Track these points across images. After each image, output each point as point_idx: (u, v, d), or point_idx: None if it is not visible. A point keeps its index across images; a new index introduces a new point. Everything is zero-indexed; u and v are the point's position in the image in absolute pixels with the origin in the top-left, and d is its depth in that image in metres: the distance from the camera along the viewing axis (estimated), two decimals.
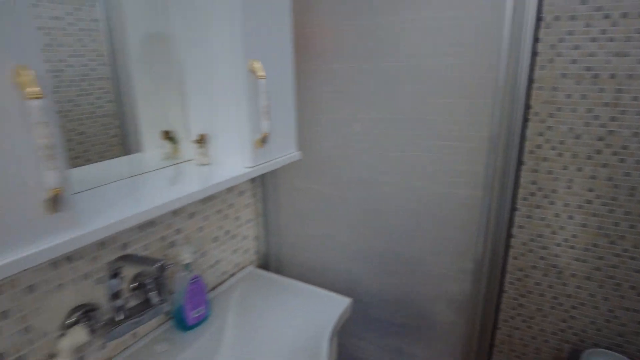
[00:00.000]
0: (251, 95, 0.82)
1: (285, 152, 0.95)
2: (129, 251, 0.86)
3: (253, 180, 1.21)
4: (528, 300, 1.01)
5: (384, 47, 0.94)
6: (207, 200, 1.05)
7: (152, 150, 0.91)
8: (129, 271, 0.82)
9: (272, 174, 1.21)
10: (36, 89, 0.46)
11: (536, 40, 0.85)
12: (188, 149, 0.93)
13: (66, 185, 0.50)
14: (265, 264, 1.29)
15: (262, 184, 1.23)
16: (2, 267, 0.46)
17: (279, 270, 1.29)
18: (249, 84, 0.81)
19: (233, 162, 0.87)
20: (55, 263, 0.73)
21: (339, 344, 1.25)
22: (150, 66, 0.87)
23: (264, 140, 0.85)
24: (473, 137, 0.90)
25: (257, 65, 0.81)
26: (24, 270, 0.50)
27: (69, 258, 0.75)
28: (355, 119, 1.02)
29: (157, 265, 0.65)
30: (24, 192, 0.48)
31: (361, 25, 0.95)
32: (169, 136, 0.93)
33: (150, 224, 0.90)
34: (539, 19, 0.84)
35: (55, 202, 0.50)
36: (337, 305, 1.03)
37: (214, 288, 1.11)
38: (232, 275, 1.18)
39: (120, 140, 0.86)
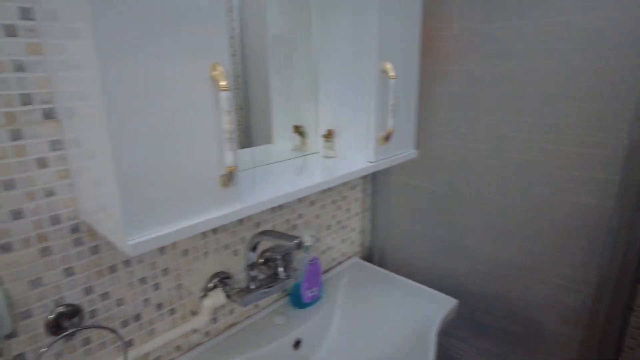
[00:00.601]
0: (380, 94, 0.87)
1: (404, 149, 0.99)
2: (260, 229, 0.96)
3: (364, 175, 1.27)
4: None
5: (513, 49, 0.93)
6: (326, 190, 1.12)
7: (282, 142, 1.00)
8: (263, 246, 0.91)
9: (385, 170, 1.25)
10: (226, 83, 0.55)
11: None
12: (315, 142, 1.01)
13: (237, 164, 0.60)
14: (368, 257, 1.34)
15: (373, 179, 1.28)
16: (189, 227, 0.57)
17: (381, 264, 1.33)
18: (380, 84, 0.86)
19: (356, 157, 0.93)
20: (204, 233, 0.85)
21: (437, 342, 1.26)
22: (284, 65, 0.96)
23: (387, 137, 0.90)
24: (607, 144, 0.86)
25: (389, 66, 0.86)
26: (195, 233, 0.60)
27: (214, 230, 0.87)
28: (476, 120, 1.02)
29: (296, 241, 0.73)
30: (208, 168, 0.58)
31: (491, 27, 0.95)
32: (299, 130, 1.01)
33: (279, 207, 0.99)
34: None
35: (229, 178, 0.59)
36: (443, 304, 1.04)
37: (324, 272, 1.19)
38: (340, 263, 1.25)
39: (253, 132, 0.95)
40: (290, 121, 1.01)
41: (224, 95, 0.55)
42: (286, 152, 1.00)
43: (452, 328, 1.20)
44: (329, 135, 0.96)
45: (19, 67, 0.57)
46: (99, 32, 0.45)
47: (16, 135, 0.58)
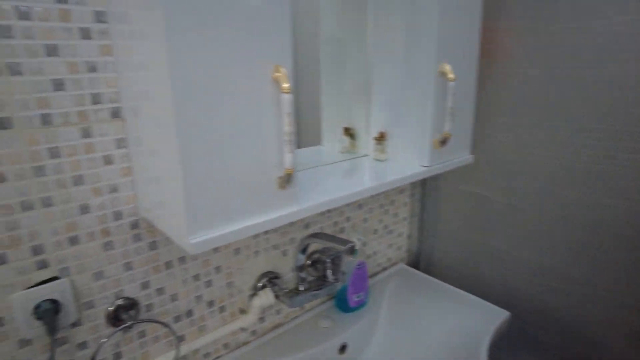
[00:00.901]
0: (438, 96, 0.85)
1: (459, 154, 0.96)
2: (309, 231, 0.96)
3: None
4: None
5: (581, 51, 0.88)
6: (375, 194, 1.11)
7: (331, 144, 0.99)
8: (312, 248, 0.91)
9: (434, 174, 1.22)
10: (288, 85, 0.55)
11: None
12: (366, 144, 1.00)
13: (296, 166, 0.59)
14: (414, 263, 1.32)
15: (422, 184, 1.25)
16: (248, 228, 0.57)
17: (428, 271, 1.29)
18: (438, 86, 0.84)
19: (409, 160, 0.91)
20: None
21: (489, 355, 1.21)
22: (336, 66, 0.95)
23: (444, 142, 0.87)
24: None
25: (448, 67, 0.83)
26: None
27: (265, 230, 0.87)
28: (538, 126, 0.97)
29: (349, 246, 0.72)
30: (267, 169, 0.58)
31: (558, 28, 0.90)
32: (349, 132, 1.00)
33: (328, 209, 0.99)
34: None
35: (287, 180, 0.59)
36: (493, 316, 1.00)
37: (369, 277, 1.17)
38: (385, 268, 1.23)
39: (302, 133, 0.94)
40: (340, 123, 1.00)
41: (286, 97, 0.55)
42: (335, 154, 0.99)
43: (502, 342, 1.15)
44: (381, 138, 0.94)
45: (92, 68, 0.59)
46: (171, 34, 0.46)
47: (86, 133, 0.61)
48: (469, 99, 0.94)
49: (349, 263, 0.98)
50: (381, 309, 1.05)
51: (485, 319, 0.99)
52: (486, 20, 0.97)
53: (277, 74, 0.55)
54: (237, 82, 0.53)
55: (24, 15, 0.53)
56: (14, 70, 0.54)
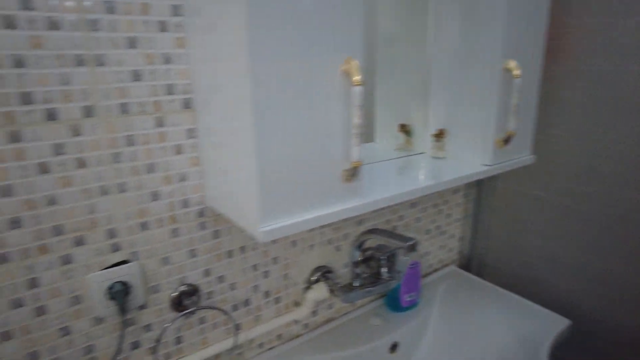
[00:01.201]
0: (502, 93, 0.82)
1: (521, 154, 0.93)
2: (363, 228, 0.95)
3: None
4: None
5: None
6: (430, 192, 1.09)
7: (385, 141, 0.98)
8: (367, 244, 0.90)
9: (492, 175, 1.18)
10: (359, 77, 0.55)
11: None
12: (422, 141, 0.98)
13: (363, 160, 0.59)
14: (466, 266, 1.28)
15: (477, 184, 1.22)
16: (314, 219, 0.58)
17: (480, 274, 1.26)
18: (502, 83, 0.81)
19: (469, 159, 0.89)
20: None
21: None
22: (393, 62, 0.94)
23: (507, 140, 0.84)
24: None
25: (513, 64, 0.80)
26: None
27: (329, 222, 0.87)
28: (607, 125, 0.92)
29: (410, 243, 0.71)
30: (334, 162, 0.58)
31: (632, 22, 0.85)
32: (405, 129, 0.99)
33: (382, 207, 0.98)
34: None
35: (353, 173, 0.59)
36: (552, 324, 0.96)
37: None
38: (436, 270, 1.20)
39: None
40: (394, 120, 0.98)
41: (357, 89, 0.55)
42: (389, 151, 0.98)
43: (561, 352, 1.10)
44: (440, 135, 0.92)
45: (167, 60, 0.62)
46: (253, 28, 0.47)
47: (160, 123, 0.63)
48: (531, 97, 0.91)
49: (402, 262, 0.97)
50: (433, 310, 1.03)
51: (544, 326, 0.95)
52: (554, 16, 0.93)
53: (347, 67, 0.55)
54: (310, 74, 0.53)
55: (110, 9, 0.56)
56: (99, 61, 0.57)
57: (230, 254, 0.75)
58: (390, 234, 0.77)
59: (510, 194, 1.15)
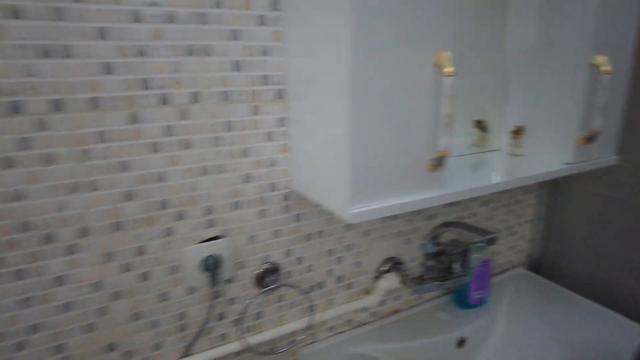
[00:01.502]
0: (588, 89, 0.80)
1: (604, 153, 0.89)
2: (433, 223, 0.96)
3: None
4: None
5: None
6: (503, 191, 1.07)
7: (459, 137, 0.98)
8: (443, 238, 0.91)
9: (568, 175, 1.14)
10: (451, 69, 0.56)
11: None
12: (498, 138, 0.97)
13: (450, 150, 0.60)
14: (535, 268, 1.25)
15: (551, 185, 1.18)
16: (400, 205, 0.60)
17: (550, 278, 1.22)
18: (588, 78, 0.79)
19: (549, 157, 0.87)
20: (383, 217, 0.89)
21: None
22: (468, 57, 0.93)
23: (590, 138, 0.82)
24: None
25: (603, 59, 0.78)
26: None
27: (394, 215, 0.90)
28: None
29: (490, 236, 0.71)
30: (420, 151, 0.60)
31: None
32: (480, 125, 0.98)
33: (454, 202, 0.98)
34: None
35: (439, 163, 0.61)
36: (632, 334, 0.91)
37: None
38: (504, 271, 1.18)
39: None
40: (468, 116, 0.98)
41: (448, 80, 0.56)
42: (463, 147, 0.98)
43: None
44: (518, 132, 0.91)
45: (265, 52, 0.66)
46: (355, 20, 0.50)
47: (255, 111, 0.68)
48: (619, 94, 0.87)
49: (475, 258, 0.97)
50: (501, 310, 1.02)
51: (622, 335, 0.91)
52: None
53: (439, 58, 0.57)
54: (404, 65, 0.55)
55: (218, 3, 0.61)
56: (207, 52, 0.62)
57: (309, 237, 0.79)
58: (469, 227, 0.77)
59: (587, 196, 1.11)
